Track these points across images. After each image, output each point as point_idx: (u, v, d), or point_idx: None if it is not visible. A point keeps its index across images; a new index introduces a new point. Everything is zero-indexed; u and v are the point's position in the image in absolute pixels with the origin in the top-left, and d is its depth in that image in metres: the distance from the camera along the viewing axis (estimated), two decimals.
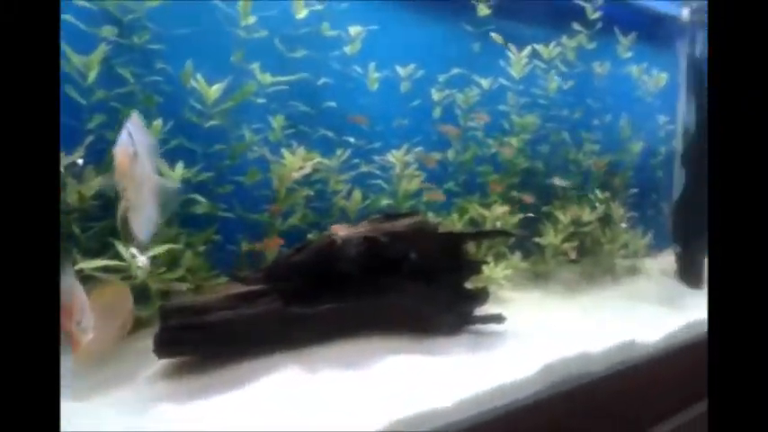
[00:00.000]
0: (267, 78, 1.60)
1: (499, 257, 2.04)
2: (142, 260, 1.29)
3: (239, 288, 1.39)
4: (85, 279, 1.20)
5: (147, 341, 1.26)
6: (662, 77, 2.62)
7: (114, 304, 1.26)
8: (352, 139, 1.83)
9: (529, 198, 2.09)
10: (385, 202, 1.84)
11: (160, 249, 1.33)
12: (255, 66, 1.60)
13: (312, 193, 1.68)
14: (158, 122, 1.46)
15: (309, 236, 1.66)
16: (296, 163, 1.54)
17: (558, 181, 2.24)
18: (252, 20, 1.59)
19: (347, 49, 1.81)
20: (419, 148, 1.90)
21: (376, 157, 1.82)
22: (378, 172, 1.84)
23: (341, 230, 1.46)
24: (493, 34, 2.06)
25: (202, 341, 1.29)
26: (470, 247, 1.94)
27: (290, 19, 1.70)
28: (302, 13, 1.68)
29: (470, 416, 1.20)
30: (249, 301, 1.37)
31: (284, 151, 1.56)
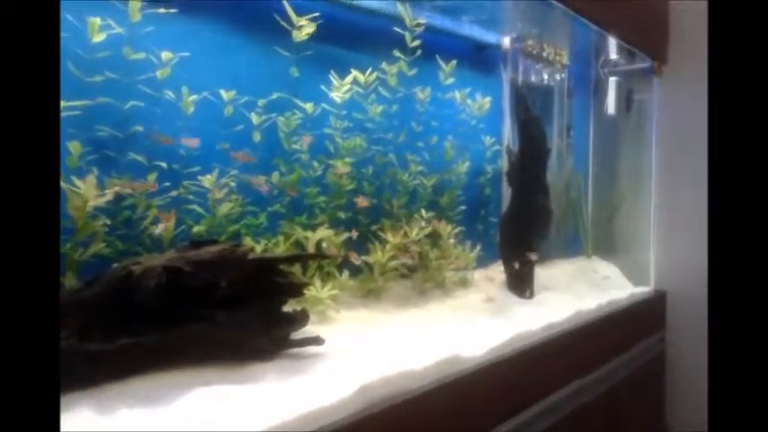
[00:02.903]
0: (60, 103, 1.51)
1: (328, 277, 2.07)
2: None
3: None
4: None
5: None
6: (485, 102, 2.82)
7: None
8: (164, 164, 1.78)
9: (355, 232, 2.14)
10: (202, 228, 1.80)
11: None
12: None
13: (111, 221, 1.60)
14: None
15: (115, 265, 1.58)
16: (90, 190, 1.47)
17: None
18: None
19: (158, 74, 1.77)
20: (234, 171, 1.89)
21: (186, 183, 1.77)
22: (191, 197, 1.80)
23: None
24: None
25: None
26: (295, 269, 1.95)
27: (85, 43, 1.62)
28: (99, 37, 1.61)
29: None
30: None
31: (74, 179, 1.49)
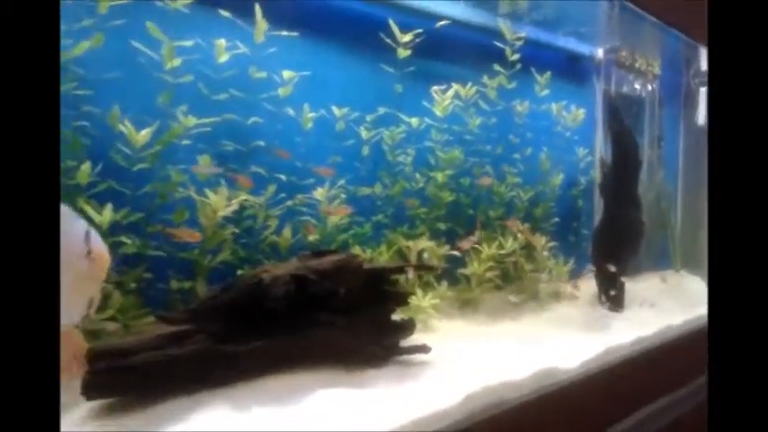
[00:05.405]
0: (191, 121, 1.64)
1: (427, 287, 2.12)
2: None
3: (167, 328, 1.41)
4: None
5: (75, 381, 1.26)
6: (579, 113, 2.81)
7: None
8: (282, 177, 1.89)
9: (467, 243, 2.18)
10: (315, 237, 1.89)
11: None
12: (179, 109, 1.64)
13: (237, 230, 1.72)
14: (87, 165, 1.48)
15: (240, 272, 1.69)
16: (220, 201, 1.59)
17: None
18: (175, 63, 1.63)
19: (280, 91, 1.87)
20: (341, 182, 1.99)
21: (300, 196, 1.87)
22: (304, 209, 1.89)
23: None
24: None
25: (130, 382, 1.30)
26: (400, 278, 2.01)
27: (212, 62, 1.75)
28: (223, 57, 1.73)
29: None
30: (177, 341, 1.38)
31: (206, 190, 1.61)
